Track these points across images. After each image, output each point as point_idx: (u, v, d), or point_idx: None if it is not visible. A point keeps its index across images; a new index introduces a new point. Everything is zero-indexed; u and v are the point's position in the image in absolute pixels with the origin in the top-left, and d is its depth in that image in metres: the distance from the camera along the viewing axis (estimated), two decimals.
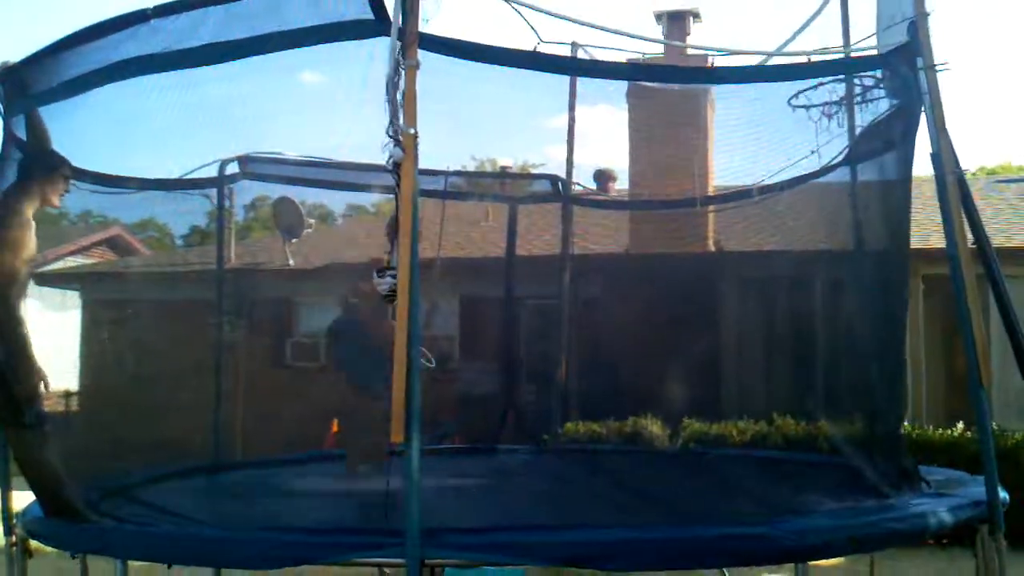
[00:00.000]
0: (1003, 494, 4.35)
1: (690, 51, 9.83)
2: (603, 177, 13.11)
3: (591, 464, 7.22)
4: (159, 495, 5.22)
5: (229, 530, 4.42)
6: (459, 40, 4.50)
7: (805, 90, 5.59)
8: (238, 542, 4.08)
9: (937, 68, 4.56)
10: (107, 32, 4.51)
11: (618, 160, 12.53)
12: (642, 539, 3.74)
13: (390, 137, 4.02)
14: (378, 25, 4.06)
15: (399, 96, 4.01)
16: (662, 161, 9.85)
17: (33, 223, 4.66)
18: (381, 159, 4.08)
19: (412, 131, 3.94)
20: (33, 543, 4.92)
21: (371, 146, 4.16)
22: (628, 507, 4.57)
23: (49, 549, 5.25)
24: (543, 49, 6.46)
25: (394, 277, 3.89)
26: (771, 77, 5.31)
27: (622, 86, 8.32)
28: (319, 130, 6.31)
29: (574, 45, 8.04)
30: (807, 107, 5.85)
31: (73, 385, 12.29)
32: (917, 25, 4.60)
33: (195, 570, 5.96)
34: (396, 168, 3.98)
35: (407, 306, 3.76)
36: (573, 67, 6.43)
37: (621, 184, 12.95)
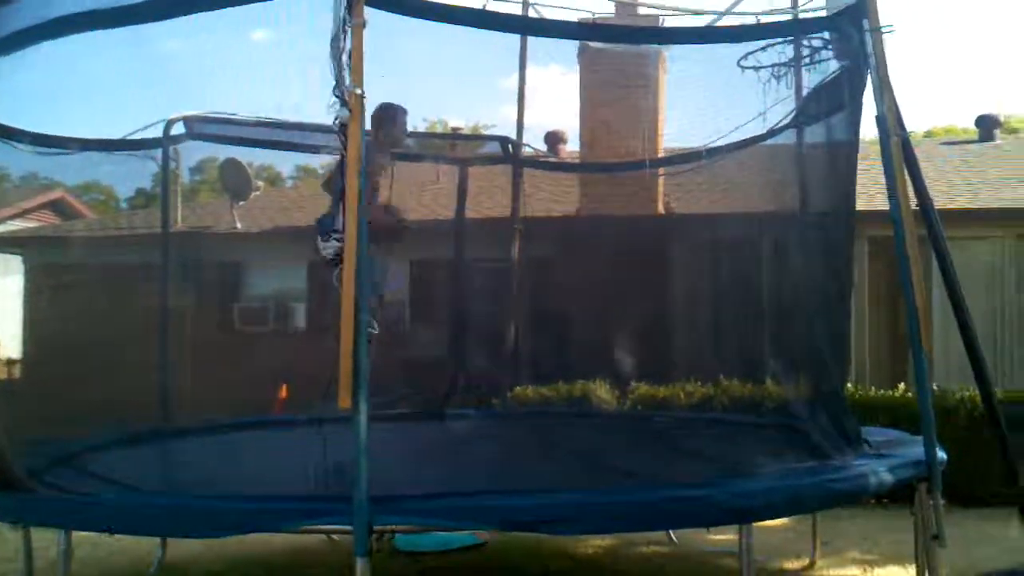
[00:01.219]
0: (941, 454, 4.45)
1: (641, 11, 9.79)
2: (554, 139, 13.09)
3: (540, 428, 7.25)
4: (104, 463, 5.14)
5: (174, 499, 4.37)
6: None
7: (754, 51, 5.59)
8: (182, 511, 4.04)
9: (883, 30, 4.58)
10: None
11: (569, 121, 12.50)
12: (588, 503, 3.77)
13: (336, 97, 3.95)
14: None
15: (345, 56, 3.93)
16: (613, 123, 9.84)
17: None
18: (329, 119, 4.02)
19: (359, 91, 3.88)
20: None
21: (320, 106, 4.10)
22: (575, 471, 4.60)
23: None
24: (494, 7, 6.41)
25: (339, 240, 3.83)
26: (720, 38, 5.32)
27: (573, 46, 8.29)
28: (268, 90, 6.19)
29: (525, 3, 7.98)
30: (756, 68, 5.85)
31: (16, 353, 12.06)
32: None
33: (141, 538, 5.94)
34: (342, 129, 3.92)
35: (354, 271, 3.72)
36: (523, 26, 6.39)
37: (572, 146, 12.94)
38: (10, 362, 11.67)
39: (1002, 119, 17.11)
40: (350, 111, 3.88)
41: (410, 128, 7.16)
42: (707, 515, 3.88)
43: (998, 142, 15.59)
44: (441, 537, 6.07)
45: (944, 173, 13.29)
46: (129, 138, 6.79)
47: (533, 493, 3.95)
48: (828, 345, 5.06)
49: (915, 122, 32.36)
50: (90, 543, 5.96)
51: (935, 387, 7.37)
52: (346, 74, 3.92)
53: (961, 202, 11.70)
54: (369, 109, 3.94)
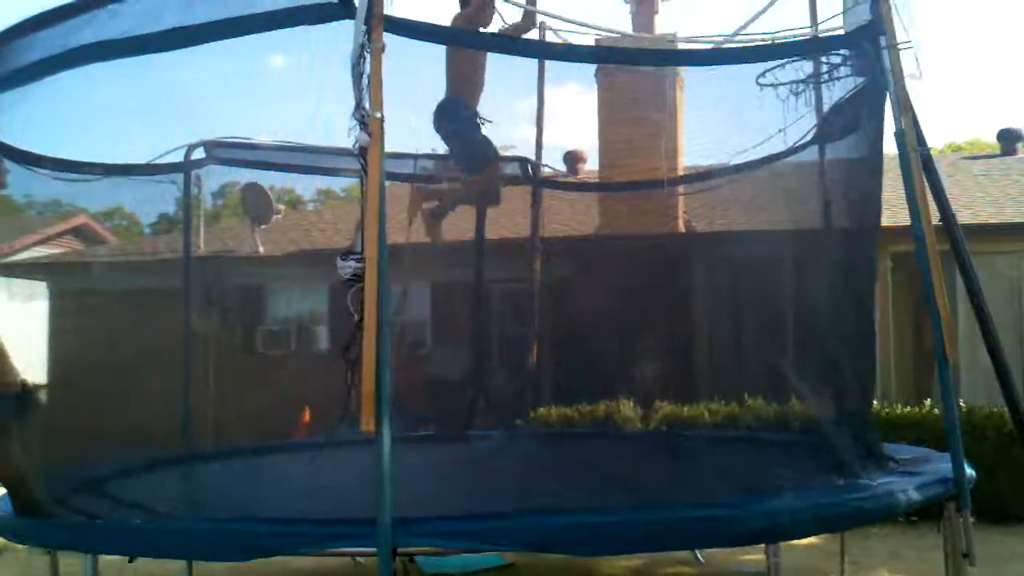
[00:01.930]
0: (969, 471, 4.40)
1: (658, 31, 9.82)
2: (573, 159, 13.11)
3: (563, 448, 7.22)
4: (129, 488, 5.16)
5: (199, 522, 4.38)
6: (426, 23, 4.47)
7: (772, 68, 5.59)
8: (207, 534, 4.04)
9: (900, 47, 4.57)
10: (63, 18, 4.43)
11: (588, 141, 12.52)
12: (612, 523, 3.74)
13: (356, 121, 3.98)
14: (343, 7, 4.02)
15: (365, 80, 3.96)
16: (632, 141, 9.84)
17: None
18: (349, 143, 4.04)
19: (379, 115, 3.90)
20: (2, 540, 4.87)
21: (340, 130, 4.12)
22: (599, 491, 4.57)
23: (20, 547, 5.21)
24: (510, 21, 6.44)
25: (358, 261, 3.84)
26: (738, 59, 5.31)
27: (591, 66, 8.31)
28: (287, 114, 6.25)
29: (542, 27, 8.01)
30: (775, 86, 5.84)
31: (41, 378, 12.14)
32: (879, 4, 4.61)
33: (167, 562, 5.95)
34: (362, 153, 3.94)
35: (375, 293, 3.73)
36: (540, 51, 6.42)
37: (591, 165, 12.95)
38: (35, 387, 11.73)
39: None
40: (370, 135, 3.90)
41: (428, 151, 7.23)
42: (732, 534, 3.85)
43: (1021, 156, 15.48)
44: (466, 559, 6.05)
45: (967, 188, 13.21)
46: (151, 163, 6.86)
47: (558, 514, 3.92)
48: (853, 362, 5.02)
49: (936, 136, 32.21)
50: (116, 568, 5.98)
51: (962, 403, 7.32)
52: (366, 98, 3.95)
53: (984, 217, 11.61)
54: (389, 133, 3.95)
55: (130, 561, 4.77)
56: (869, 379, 5.36)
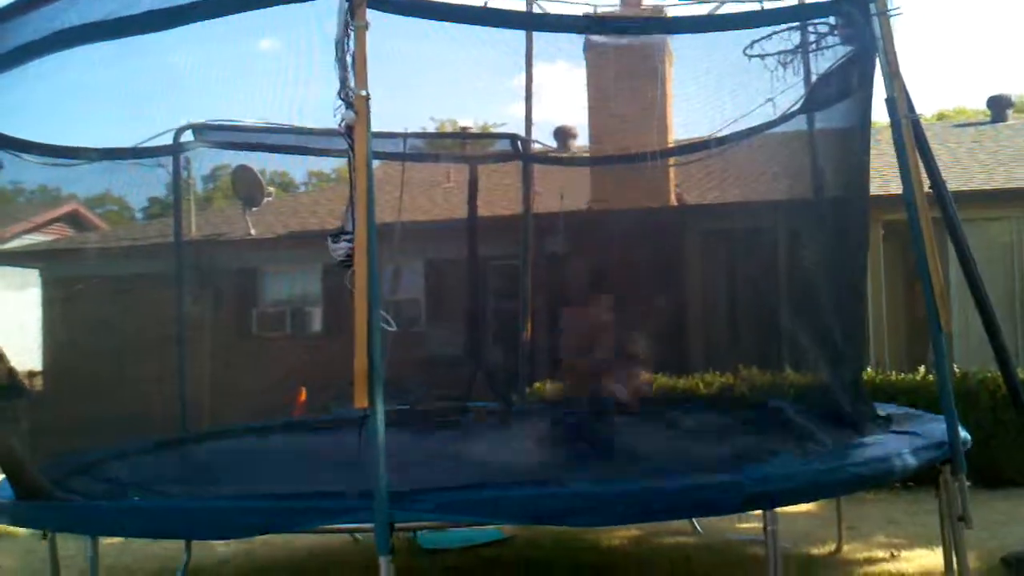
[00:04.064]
0: (964, 434, 4.42)
1: (645, 2, 9.77)
2: (564, 135, 13.09)
3: (559, 422, 7.24)
4: (126, 470, 5.18)
5: (198, 502, 4.40)
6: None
7: (760, 39, 5.57)
8: (204, 512, 4.06)
9: (890, 13, 4.55)
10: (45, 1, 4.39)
11: (578, 117, 12.50)
12: (607, 494, 3.76)
13: (342, 100, 3.97)
14: None
15: (349, 58, 3.94)
16: (622, 116, 9.82)
17: None
18: (336, 123, 4.02)
19: (364, 93, 3.88)
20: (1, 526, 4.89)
21: (329, 110, 4.11)
22: (595, 463, 4.59)
23: (20, 531, 5.23)
24: (497, 4, 6.40)
25: (349, 241, 3.84)
26: (725, 25, 5.28)
27: (579, 42, 8.25)
28: (276, 96, 6.23)
29: (530, 1, 7.97)
30: (762, 56, 5.83)
31: (36, 364, 12.15)
32: None
33: (167, 542, 5.97)
34: (349, 131, 3.93)
35: (366, 270, 3.72)
36: (525, 21, 6.39)
37: (582, 140, 12.94)
38: (30, 374, 11.74)
39: (1013, 99, 16.96)
40: (356, 113, 3.89)
41: (419, 128, 7.20)
42: (728, 502, 3.87)
43: (1010, 122, 15.49)
44: (465, 533, 6.08)
45: (957, 156, 13.21)
46: (140, 146, 6.82)
47: (554, 485, 3.95)
48: (845, 330, 5.03)
49: (925, 104, 32.12)
50: (116, 550, 6.01)
51: (956, 369, 7.34)
52: (351, 76, 3.93)
53: (975, 183, 11.62)
54: (375, 110, 3.94)
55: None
56: (861, 346, 5.38)
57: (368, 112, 3.89)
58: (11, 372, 4.71)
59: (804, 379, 5.49)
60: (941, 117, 24.84)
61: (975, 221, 9.30)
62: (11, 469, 4.57)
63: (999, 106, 15.76)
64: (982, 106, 16.74)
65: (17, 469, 4.55)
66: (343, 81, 3.95)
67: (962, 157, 13.21)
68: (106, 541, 4.91)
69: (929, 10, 48.08)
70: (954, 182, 9.86)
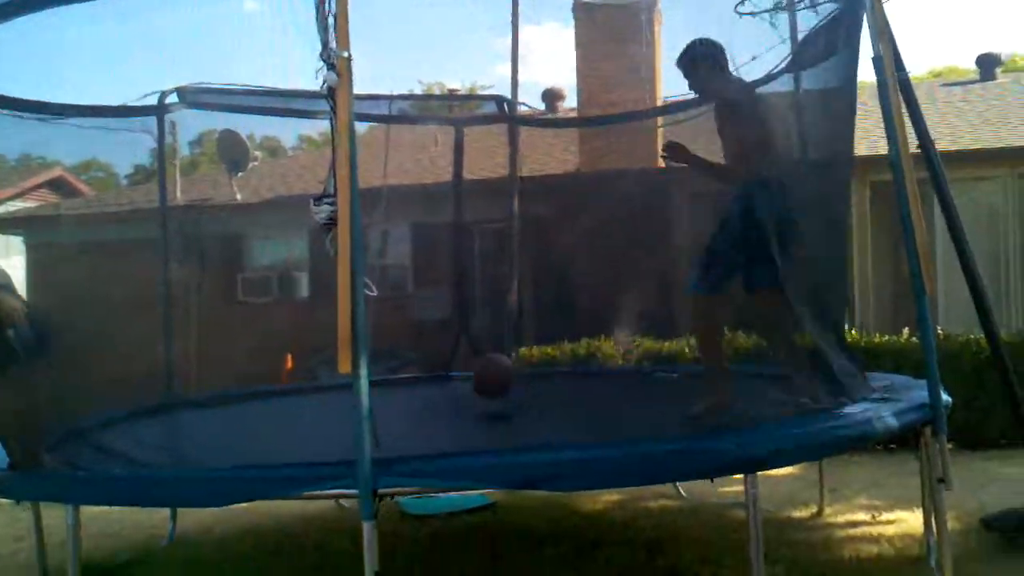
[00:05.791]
0: (945, 397, 4.42)
1: None
2: (551, 97, 13.02)
3: (545, 387, 7.26)
4: (110, 438, 5.15)
5: (180, 470, 4.39)
6: None
7: None
8: (187, 481, 4.05)
9: None
10: None
11: (567, 78, 12.44)
12: (592, 458, 3.74)
13: (323, 62, 3.90)
14: None
15: (331, 19, 3.88)
16: (610, 77, 9.74)
17: None
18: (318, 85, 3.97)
19: (346, 54, 3.82)
20: None
21: (312, 72, 4.05)
22: (580, 428, 4.58)
23: (5, 501, 5.22)
24: None
25: (332, 204, 3.79)
26: None
27: (568, 3, 8.18)
28: (263, 59, 6.16)
29: None
30: (753, 14, 5.76)
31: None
32: None
33: (152, 512, 5.98)
34: (331, 93, 3.87)
35: (348, 234, 3.68)
36: None
37: (570, 102, 12.87)
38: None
39: (1003, 58, 16.90)
40: (338, 75, 3.83)
41: (406, 91, 7.12)
42: (711, 466, 3.85)
43: (1000, 81, 15.43)
44: (450, 499, 6.10)
45: (945, 115, 13.17)
46: (124, 105, 6.72)
47: (537, 450, 3.94)
48: (827, 291, 5.02)
49: (915, 63, 32.05)
50: (103, 518, 6.01)
51: (939, 331, 7.35)
52: (332, 37, 3.87)
53: (963, 143, 11.60)
54: (357, 73, 3.87)
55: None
56: (843, 306, 5.36)
57: (350, 74, 3.83)
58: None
59: (787, 340, 5.46)
60: (931, 75, 24.70)
61: (963, 181, 9.29)
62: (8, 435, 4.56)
63: (988, 64, 15.69)
64: (973, 65, 16.66)
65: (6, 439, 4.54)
66: (324, 42, 3.89)
67: (949, 115, 13.17)
68: (92, 509, 4.90)
69: None
70: (941, 141, 9.82)
